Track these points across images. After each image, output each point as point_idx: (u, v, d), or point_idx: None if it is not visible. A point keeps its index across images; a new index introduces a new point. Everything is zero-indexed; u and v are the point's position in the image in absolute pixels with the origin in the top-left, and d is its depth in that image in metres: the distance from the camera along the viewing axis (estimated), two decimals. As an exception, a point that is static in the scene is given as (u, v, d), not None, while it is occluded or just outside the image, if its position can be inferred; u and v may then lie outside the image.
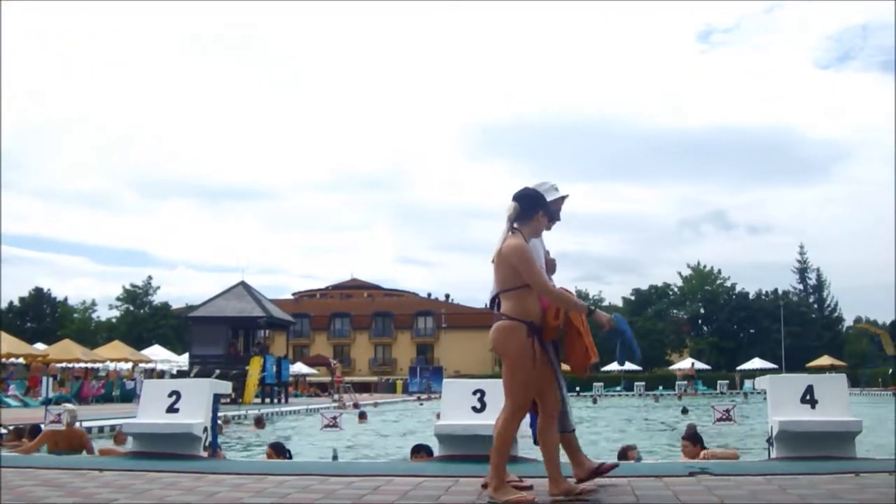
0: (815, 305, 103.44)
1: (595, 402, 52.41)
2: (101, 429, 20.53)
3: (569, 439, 6.34)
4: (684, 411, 30.74)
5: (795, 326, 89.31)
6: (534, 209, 6.08)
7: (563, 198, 7.00)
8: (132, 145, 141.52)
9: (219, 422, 27.25)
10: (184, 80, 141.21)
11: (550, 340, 6.02)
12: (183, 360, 50.49)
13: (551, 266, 6.36)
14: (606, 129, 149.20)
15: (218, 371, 35.78)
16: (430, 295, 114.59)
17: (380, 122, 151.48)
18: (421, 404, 46.51)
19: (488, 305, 6.13)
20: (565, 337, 6.24)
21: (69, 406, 13.60)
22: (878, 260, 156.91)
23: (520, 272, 5.70)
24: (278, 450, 12.08)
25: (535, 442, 6.14)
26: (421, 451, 10.63)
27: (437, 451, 8.69)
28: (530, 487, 6.04)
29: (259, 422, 26.28)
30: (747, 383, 62.55)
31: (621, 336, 5.99)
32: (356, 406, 39.66)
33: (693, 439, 11.14)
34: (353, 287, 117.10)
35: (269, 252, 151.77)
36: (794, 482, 6.37)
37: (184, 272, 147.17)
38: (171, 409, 8.86)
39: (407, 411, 41.49)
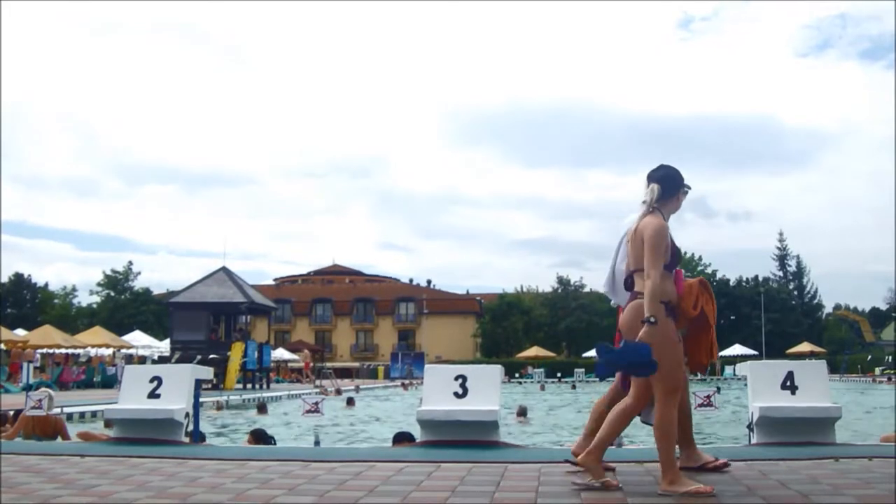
0: (795, 292, 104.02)
1: (574, 387, 52.45)
2: (81, 414, 20.46)
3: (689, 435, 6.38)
4: None
5: (775, 313, 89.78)
6: (675, 189, 5.95)
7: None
8: (113, 132, 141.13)
9: (217, 404, 27.39)
10: (165, 67, 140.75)
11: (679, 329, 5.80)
12: (164, 346, 50.32)
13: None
14: (587, 116, 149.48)
15: (199, 357, 35.68)
16: (411, 281, 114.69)
17: (360, 109, 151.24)
18: (405, 389, 46.50)
19: (624, 286, 5.95)
20: (690, 329, 6.06)
21: (47, 391, 13.50)
22: (858, 247, 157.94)
23: (645, 249, 5.57)
24: (259, 436, 12.01)
25: (645, 421, 6.03)
26: (403, 439, 10.62)
27: (418, 437, 8.69)
28: (612, 469, 6.06)
29: (262, 408, 26.28)
30: (728, 369, 62.82)
31: (615, 354, 5.63)
32: (338, 392, 39.63)
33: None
34: (335, 273, 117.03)
35: (250, 238, 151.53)
36: (774, 467, 6.41)
37: (165, 258, 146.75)
38: (153, 395, 8.83)
39: (395, 397, 41.50)
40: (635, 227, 5.76)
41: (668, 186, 5.89)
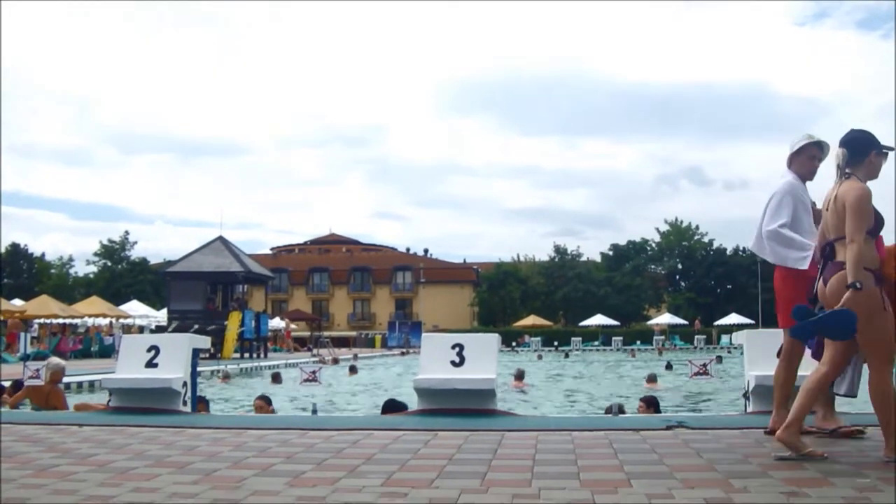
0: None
1: (567, 356, 52.51)
2: (79, 384, 20.49)
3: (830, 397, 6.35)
4: (668, 367, 30.84)
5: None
6: (865, 152, 5.73)
7: (815, 143, 6.80)
8: (108, 101, 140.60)
9: (223, 373, 27.43)
10: (160, 35, 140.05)
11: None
12: (161, 316, 50.35)
13: (819, 217, 6.06)
14: (583, 84, 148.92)
15: (196, 326, 35.72)
16: (408, 250, 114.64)
17: (356, 78, 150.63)
18: (404, 355, 46.52)
19: (819, 255, 5.83)
20: (891, 295, 5.65)
21: (56, 361, 13.46)
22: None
23: (848, 215, 5.41)
24: (269, 401, 12.10)
25: (836, 392, 6.05)
26: (392, 408, 10.61)
27: (415, 405, 8.72)
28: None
29: (276, 378, 26.40)
30: (724, 338, 62.95)
31: (816, 320, 5.43)
32: (335, 361, 39.71)
33: (649, 402, 11.33)
34: (332, 242, 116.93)
35: (246, 207, 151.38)
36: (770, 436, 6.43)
37: (161, 227, 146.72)
38: (151, 364, 8.85)
39: (395, 365, 41.60)
40: (835, 195, 5.61)
41: (856, 149, 5.71)
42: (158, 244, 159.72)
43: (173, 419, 8.03)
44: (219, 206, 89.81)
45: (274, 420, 9.00)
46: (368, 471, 5.11)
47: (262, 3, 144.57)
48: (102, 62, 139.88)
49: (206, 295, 44.02)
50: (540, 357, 49.02)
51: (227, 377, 27.28)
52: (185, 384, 8.84)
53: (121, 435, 6.89)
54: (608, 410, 10.88)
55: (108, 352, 40.62)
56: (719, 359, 34.01)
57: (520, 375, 24.62)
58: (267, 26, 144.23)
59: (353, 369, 32.78)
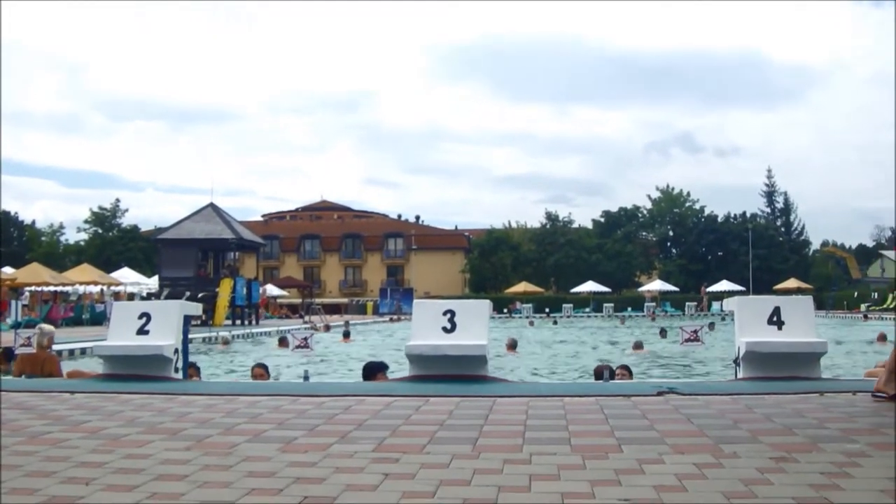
0: (783, 229, 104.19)
1: (555, 322, 52.62)
2: (71, 352, 20.50)
3: None
4: (663, 333, 30.94)
5: (763, 249, 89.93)
6: None
7: None
8: (98, 67, 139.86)
9: (223, 339, 27.62)
10: (151, 2, 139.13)
11: None
12: (152, 283, 50.34)
13: None
14: (573, 51, 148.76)
15: (188, 293, 35.71)
16: (400, 216, 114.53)
17: (347, 44, 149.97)
18: (392, 322, 46.60)
19: None
20: None
21: (46, 327, 13.47)
22: (845, 184, 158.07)
23: None
24: (266, 369, 12.10)
25: None
26: (375, 370, 10.60)
27: (407, 371, 8.73)
28: None
29: (283, 341, 26.50)
30: (715, 305, 63.09)
31: None
32: (327, 328, 39.77)
33: (600, 374, 11.37)
34: (323, 209, 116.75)
35: (237, 174, 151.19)
36: (760, 401, 6.47)
37: (152, 194, 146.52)
38: (142, 332, 8.84)
39: (385, 331, 41.68)
40: None
41: None
42: (149, 211, 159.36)
43: (165, 386, 8.03)
44: (210, 173, 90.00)
45: (266, 386, 9.01)
46: (360, 437, 5.13)
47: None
48: (91, 28, 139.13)
49: (198, 262, 44.04)
50: (532, 324, 49.17)
51: (226, 342, 27.43)
52: (176, 351, 8.84)
53: (113, 402, 6.89)
54: (598, 375, 10.91)
55: (100, 319, 40.61)
56: (712, 326, 34.17)
57: (512, 344, 24.70)
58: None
59: (346, 335, 32.93)
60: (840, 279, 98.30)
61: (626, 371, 12.03)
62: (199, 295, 35.95)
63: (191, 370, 10.21)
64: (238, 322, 42.63)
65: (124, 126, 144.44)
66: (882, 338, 28.59)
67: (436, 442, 4.94)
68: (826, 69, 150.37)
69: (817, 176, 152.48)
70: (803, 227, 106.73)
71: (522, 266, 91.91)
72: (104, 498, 3.65)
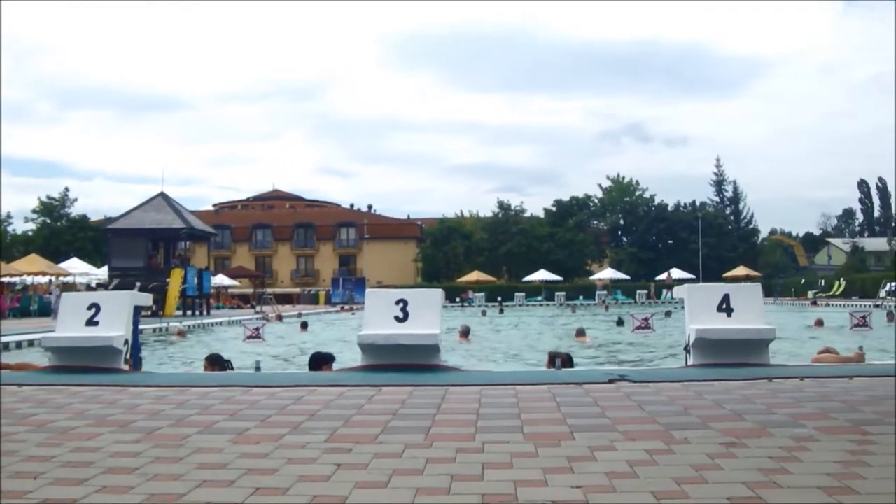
0: (732, 217, 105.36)
1: (501, 311, 52.73)
2: (18, 344, 20.24)
3: None
4: (619, 322, 31.12)
5: (712, 238, 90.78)
6: None
7: None
8: (47, 55, 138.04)
9: (179, 328, 27.58)
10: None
11: None
12: (102, 273, 49.85)
13: None
14: (526, 41, 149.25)
15: (138, 284, 35.40)
16: (352, 206, 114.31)
17: (297, 32, 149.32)
18: (353, 314, 46.45)
19: None
20: None
21: None
22: (793, 173, 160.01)
23: None
24: (215, 361, 11.89)
25: None
26: (321, 360, 10.57)
27: (360, 361, 8.72)
28: None
29: (304, 326, 26.39)
30: (665, 293, 63.59)
31: None
32: (279, 318, 39.62)
33: (553, 361, 11.38)
34: (275, 198, 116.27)
35: (188, 163, 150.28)
36: (710, 388, 6.53)
37: (101, 183, 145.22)
38: (91, 322, 8.74)
39: (339, 321, 41.55)
40: None
41: None
42: (99, 201, 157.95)
43: (115, 378, 7.95)
44: (160, 162, 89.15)
45: (217, 377, 8.95)
46: (312, 427, 5.11)
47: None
48: (38, 14, 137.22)
49: (148, 252, 43.69)
50: (484, 313, 49.24)
51: (181, 333, 27.29)
52: (126, 342, 8.76)
53: (61, 394, 6.81)
54: (551, 362, 10.94)
55: (48, 310, 40.13)
56: (668, 314, 34.46)
57: (465, 332, 24.82)
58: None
59: (304, 325, 32.87)
60: (788, 267, 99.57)
61: (552, 359, 12.02)
62: (150, 285, 35.66)
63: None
64: (189, 313, 42.33)
65: (73, 114, 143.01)
66: (819, 323, 29.38)
67: (388, 432, 4.93)
68: (773, 60, 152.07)
69: (765, 165, 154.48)
70: (752, 216, 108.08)
71: (475, 255, 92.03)
72: (53, 492, 3.61)
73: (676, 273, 73.82)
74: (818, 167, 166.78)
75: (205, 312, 44.31)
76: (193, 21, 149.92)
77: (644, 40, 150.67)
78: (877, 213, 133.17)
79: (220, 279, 67.66)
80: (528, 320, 43.01)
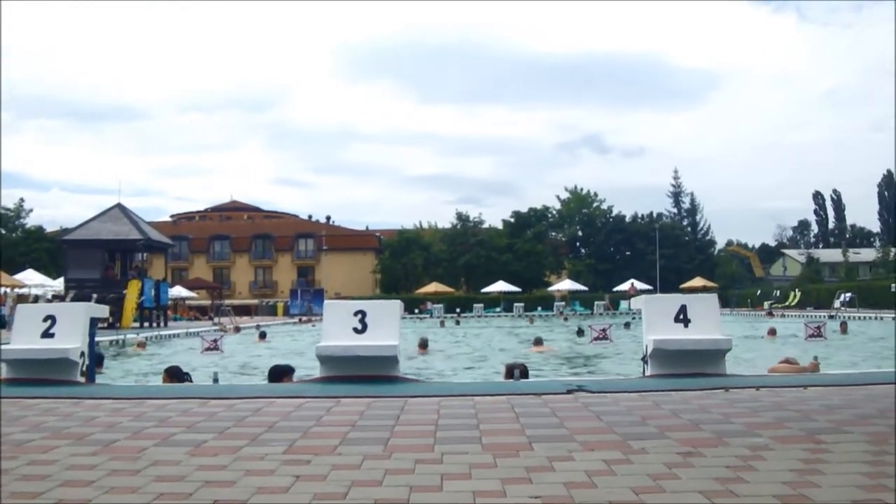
0: (689, 228, 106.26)
1: (458, 323, 52.75)
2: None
3: None
4: (580, 332, 31.18)
5: (669, 249, 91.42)
6: None
7: None
8: (1, 64, 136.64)
9: (139, 339, 27.45)
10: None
11: None
12: (58, 285, 49.35)
13: None
14: (483, 52, 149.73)
15: (95, 295, 35.08)
16: (310, 217, 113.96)
17: (255, 41, 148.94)
18: (313, 325, 46.28)
19: None
20: None
21: None
22: (749, 184, 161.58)
23: None
24: (174, 374, 11.80)
25: None
26: (280, 373, 10.54)
27: (318, 373, 8.69)
28: None
29: (263, 336, 26.19)
30: (623, 304, 63.86)
31: None
32: (237, 330, 39.42)
33: (510, 372, 11.41)
34: (233, 209, 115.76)
35: (145, 174, 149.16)
36: (668, 398, 6.57)
37: (57, 194, 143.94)
38: (47, 334, 8.66)
39: (298, 332, 41.37)
40: None
41: None
42: (55, 211, 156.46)
43: (71, 390, 7.88)
44: (117, 173, 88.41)
45: (174, 389, 8.89)
46: (270, 439, 5.10)
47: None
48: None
49: (105, 263, 43.28)
50: (443, 324, 49.23)
51: (141, 345, 27.14)
52: (82, 354, 8.68)
53: (16, 407, 6.74)
54: (509, 373, 10.96)
55: (2, 322, 39.63)
56: (627, 325, 34.64)
57: (423, 343, 24.84)
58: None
59: (262, 335, 32.76)
60: (744, 277, 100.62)
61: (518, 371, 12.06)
62: (107, 297, 35.33)
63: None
64: (146, 324, 41.99)
65: (28, 123, 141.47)
66: (772, 332, 29.68)
67: (347, 443, 4.93)
68: (729, 72, 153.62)
69: (722, 176, 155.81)
70: (709, 227, 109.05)
71: (433, 266, 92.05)
72: (8, 505, 3.58)
73: (627, 284, 74.15)
74: (774, 179, 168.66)
75: (162, 324, 43.96)
76: (149, 30, 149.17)
77: (601, 52, 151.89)
78: (831, 225, 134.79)
79: (178, 291, 67.21)
80: (486, 331, 43.06)
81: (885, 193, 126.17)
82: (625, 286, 74.37)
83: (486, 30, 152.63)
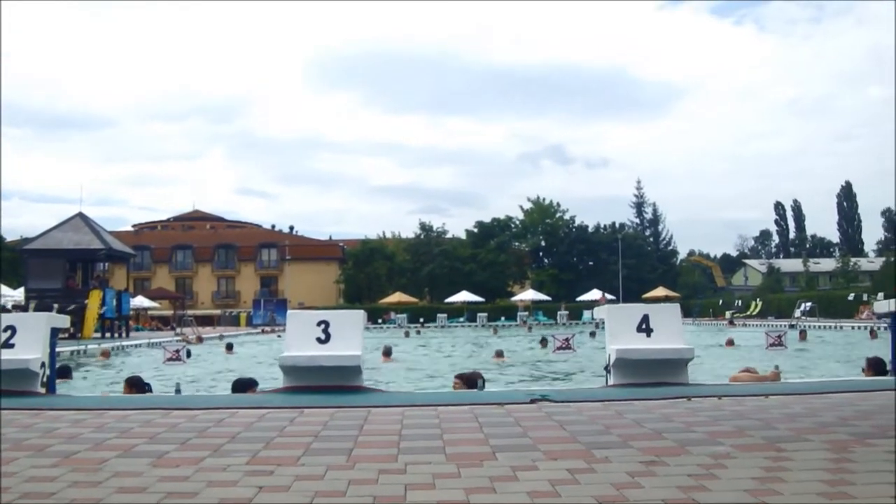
0: (651, 238, 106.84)
1: (419, 332, 52.75)
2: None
3: None
4: (543, 342, 31.24)
5: (632, 259, 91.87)
6: None
7: None
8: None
9: (104, 349, 27.32)
10: (15, 5, 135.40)
11: None
12: (18, 295, 48.83)
13: None
14: (447, 63, 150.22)
15: (56, 305, 34.77)
16: (273, 227, 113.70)
17: (219, 50, 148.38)
18: (278, 336, 46.05)
19: None
20: None
21: None
22: (710, 195, 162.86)
23: None
24: (134, 384, 11.72)
25: None
26: (242, 386, 10.51)
27: (281, 383, 8.67)
28: None
29: (230, 347, 26.07)
30: (586, 314, 64.10)
31: None
32: (199, 340, 39.20)
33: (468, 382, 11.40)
34: (195, 219, 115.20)
35: (107, 183, 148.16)
36: (630, 407, 6.60)
37: (18, 204, 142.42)
38: (6, 345, 8.57)
39: (266, 343, 41.18)
40: None
41: None
42: (15, 221, 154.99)
43: (31, 401, 7.81)
44: (78, 182, 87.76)
45: (136, 400, 8.83)
46: (233, 449, 5.07)
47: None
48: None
49: (66, 273, 42.94)
50: (407, 334, 49.22)
51: (106, 353, 27.02)
52: (43, 365, 8.61)
53: (-25, 418, 6.67)
54: (468, 383, 10.96)
55: (-39, 333, 39.20)
56: (592, 334, 34.77)
57: (387, 352, 24.86)
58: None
59: (229, 347, 32.63)
60: (706, 287, 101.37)
61: (466, 383, 12.07)
62: (68, 307, 35.05)
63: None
64: (108, 335, 41.67)
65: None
66: (730, 342, 30.03)
67: (310, 453, 4.91)
68: (691, 83, 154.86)
69: (684, 187, 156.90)
70: (671, 237, 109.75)
71: (397, 276, 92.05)
72: (-33, 517, 3.54)
73: (597, 294, 74.44)
74: (735, 189, 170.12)
75: (124, 334, 43.65)
76: (113, 37, 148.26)
77: (565, 64, 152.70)
78: (792, 235, 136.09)
79: (140, 301, 66.73)
80: (450, 340, 43.08)
81: (844, 204, 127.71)
82: (590, 296, 74.64)
83: (452, 41, 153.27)
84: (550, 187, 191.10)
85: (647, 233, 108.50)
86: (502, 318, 69.06)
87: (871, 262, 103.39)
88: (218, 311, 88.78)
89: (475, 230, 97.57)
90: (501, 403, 6.98)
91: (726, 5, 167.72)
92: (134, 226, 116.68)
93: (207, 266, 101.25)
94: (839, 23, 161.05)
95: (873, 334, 31.31)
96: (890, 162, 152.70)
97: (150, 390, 11.48)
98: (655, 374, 8.23)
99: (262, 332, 56.20)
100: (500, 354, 25.49)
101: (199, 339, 39.33)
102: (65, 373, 18.14)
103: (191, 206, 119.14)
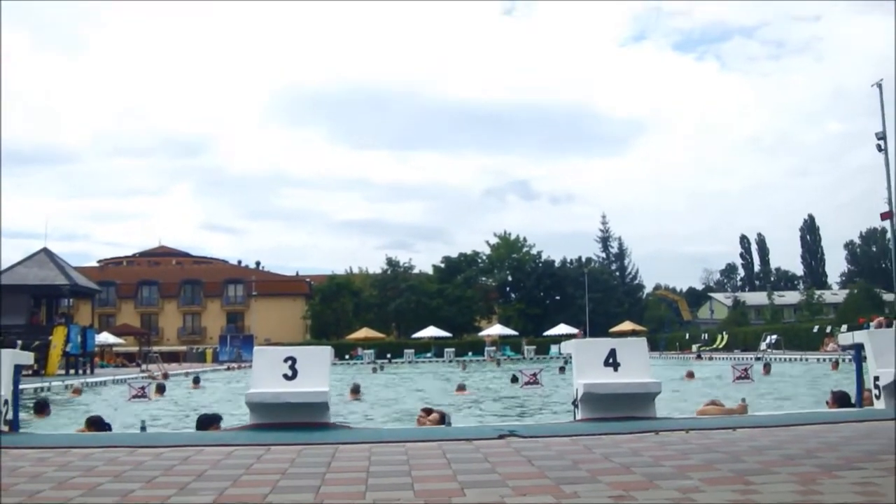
0: (617, 273, 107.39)
1: (382, 368, 52.51)
2: None
3: None
4: (514, 379, 31.18)
5: (598, 293, 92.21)
6: None
7: None
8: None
9: (75, 386, 27.18)
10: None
11: None
12: (-20, 331, 48.45)
13: None
14: (412, 99, 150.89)
15: (20, 342, 34.45)
16: (240, 262, 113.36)
17: (184, 85, 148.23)
18: (230, 371, 45.87)
19: None
20: None
21: None
22: (675, 229, 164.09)
23: None
24: (94, 423, 11.62)
25: None
26: (208, 422, 10.46)
27: (248, 420, 8.61)
28: None
29: (196, 381, 25.95)
30: (553, 348, 64.16)
31: None
32: (165, 377, 38.92)
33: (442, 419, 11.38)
34: (161, 254, 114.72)
35: (72, 218, 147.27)
36: (598, 442, 6.60)
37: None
38: (-31, 382, 8.48)
39: (229, 379, 40.93)
40: None
41: None
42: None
43: (-7, 439, 7.71)
44: (43, 217, 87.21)
45: (100, 438, 8.74)
46: (199, 487, 5.03)
47: (87, 3, 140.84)
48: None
49: (30, 309, 42.62)
50: (374, 370, 49.05)
51: (77, 391, 26.86)
52: (6, 402, 8.51)
53: (-64, 457, 6.58)
54: (441, 420, 10.95)
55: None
56: (562, 369, 34.78)
57: (355, 389, 24.79)
58: (92, 30, 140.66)
59: (196, 381, 32.52)
60: (672, 321, 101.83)
61: (426, 414, 12.07)
62: (32, 344, 34.73)
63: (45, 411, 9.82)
64: (72, 371, 41.30)
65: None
66: (690, 375, 30.47)
67: (278, 491, 4.88)
68: (653, 119, 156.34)
69: (649, 221, 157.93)
70: (637, 272, 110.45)
71: (364, 311, 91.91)
72: (-73, 559, 3.49)
73: (564, 328, 74.53)
74: (700, 223, 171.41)
75: (89, 371, 43.26)
76: (78, 72, 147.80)
77: (529, 100, 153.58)
78: (756, 269, 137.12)
79: (105, 337, 66.25)
80: (418, 375, 42.99)
81: (808, 237, 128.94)
82: (557, 330, 74.65)
83: (417, 76, 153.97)
84: (516, 222, 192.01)
85: (614, 267, 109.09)
86: (470, 353, 69.01)
87: (834, 294, 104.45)
88: (184, 348, 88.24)
89: (442, 265, 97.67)
90: (470, 439, 6.96)
91: (688, 42, 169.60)
92: (99, 261, 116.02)
93: (173, 302, 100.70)
94: (798, 60, 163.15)
95: (835, 366, 31.70)
96: (850, 195, 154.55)
97: (110, 430, 11.39)
98: (623, 409, 8.24)
99: (229, 368, 55.88)
100: (461, 388, 25.55)
101: (165, 376, 39.05)
102: (42, 408, 18.00)
103: (156, 242, 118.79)
